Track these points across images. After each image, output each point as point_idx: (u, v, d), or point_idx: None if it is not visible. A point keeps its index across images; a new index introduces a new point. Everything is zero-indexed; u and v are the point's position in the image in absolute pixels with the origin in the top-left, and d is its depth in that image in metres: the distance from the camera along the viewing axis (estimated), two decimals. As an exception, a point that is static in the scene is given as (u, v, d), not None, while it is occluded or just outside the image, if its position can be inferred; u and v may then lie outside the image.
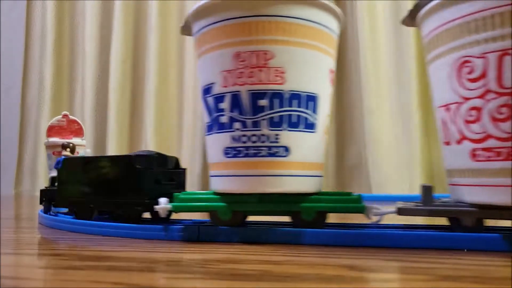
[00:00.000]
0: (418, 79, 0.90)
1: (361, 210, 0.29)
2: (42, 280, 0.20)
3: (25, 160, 1.22)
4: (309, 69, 0.29)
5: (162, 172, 0.34)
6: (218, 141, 0.30)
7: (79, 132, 0.50)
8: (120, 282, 0.19)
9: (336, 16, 0.30)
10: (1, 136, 1.29)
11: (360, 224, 0.32)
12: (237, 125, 0.29)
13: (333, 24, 0.30)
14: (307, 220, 0.29)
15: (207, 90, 0.31)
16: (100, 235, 0.33)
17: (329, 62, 0.31)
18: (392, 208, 0.29)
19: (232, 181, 0.29)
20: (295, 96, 0.28)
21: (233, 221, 0.30)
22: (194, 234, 0.30)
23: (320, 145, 0.31)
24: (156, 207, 0.31)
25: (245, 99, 0.28)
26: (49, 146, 0.48)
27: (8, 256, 0.25)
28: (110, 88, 1.14)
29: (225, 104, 0.29)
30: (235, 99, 0.29)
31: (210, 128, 0.31)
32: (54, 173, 0.42)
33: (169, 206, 0.31)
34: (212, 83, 0.30)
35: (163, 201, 0.31)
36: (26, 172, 1.22)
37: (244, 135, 0.29)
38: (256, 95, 0.28)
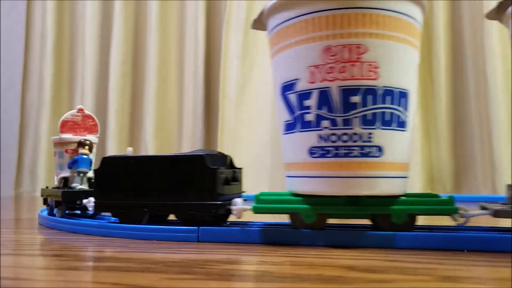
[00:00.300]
0: (418, 79, 0.90)
1: (454, 211, 0.27)
2: (42, 281, 0.20)
3: (25, 161, 1.22)
4: (401, 64, 0.28)
5: (229, 172, 0.33)
6: (302, 140, 0.28)
7: (93, 128, 0.44)
8: (119, 282, 0.19)
9: (423, 8, 0.29)
10: (1, 136, 1.29)
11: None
12: (325, 123, 0.27)
13: (420, 16, 0.29)
14: (397, 223, 0.28)
15: (288, 87, 0.29)
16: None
17: (417, 56, 0.29)
18: (479, 210, 0.28)
19: (318, 182, 0.28)
20: (389, 92, 0.27)
21: (316, 224, 0.28)
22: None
23: (409, 144, 0.29)
24: (234, 208, 0.30)
25: (335, 96, 0.27)
26: (60, 143, 0.42)
27: (8, 257, 0.25)
28: (110, 89, 1.14)
29: (311, 101, 0.28)
30: (324, 95, 0.27)
31: (291, 127, 0.29)
32: (66, 173, 0.40)
33: (248, 207, 0.30)
34: (295, 79, 0.28)
35: (239, 201, 0.30)
36: (26, 173, 1.22)
37: (333, 134, 0.27)
38: (348, 92, 0.27)
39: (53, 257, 0.25)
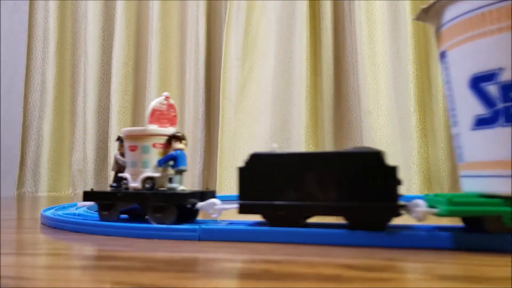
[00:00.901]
0: (416, 81, 0.90)
1: None
2: (43, 280, 0.20)
3: (27, 161, 1.23)
4: None
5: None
6: (505, 136, 0.26)
7: (174, 120, 0.39)
8: (121, 281, 0.19)
9: None
10: (3, 137, 1.29)
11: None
12: None
13: None
14: None
15: (485, 77, 0.27)
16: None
17: None
18: None
19: None
20: None
21: None
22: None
23: None
24: (419, 210, 0.27)
25: None
26: (146, 136, 0.35)
27: (10, 256, 0.25)
28: (112, 91, 1.14)
29: None
30: None
31: (487, 121, 0.27)
32: (153, 172, 0.35)
33: (434, 210, 0.27)
34: (496, 69, 0.26)
35: (421, 203, 0.28)
36: (28, 174, 1.22)
37: None
38: None
39: (55, 256, 0.25)
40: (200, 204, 0.33)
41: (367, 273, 0.20)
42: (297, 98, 0.98)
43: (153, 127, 0.36)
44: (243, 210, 0.31)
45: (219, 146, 1.04)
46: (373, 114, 0.93)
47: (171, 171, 0.35)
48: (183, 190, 0.35)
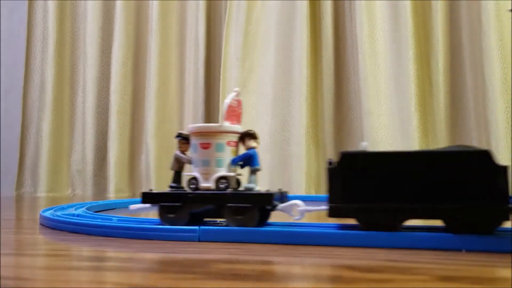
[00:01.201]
0: (417, 81, 0.90)
1: None
2: (43, 281, 0.20)
3: (27, 162, 1.22)
4: None
5: None
6: None
7: (240, 117, 0.36)
8: (121, 282, 0.19)
9: None
10: (2, 137, 1.29)
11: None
12: None
13: None
14: None
15: None
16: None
17: None
18: None
19: None
20: None
21: None
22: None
23: None
24: None
25: None
26: (220, 133, 0.33)
27: (9, 256, 0.25)
28: (111, 90, 1.14)
29: None
30: None
31: None
32: (225, 171, 0.32)
33: None
34: None
35: None
36: (27, 174, 1.22)
37: None
38: None
39: (54, 257, 0.25)
40: (280, 206, 0.31)
41: (369, 274, 0.20)
42: (297, 98, 0.98)
43: (228, 124, 0.34)
44: (333, 213, 0.28)
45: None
46: (374, 114, 0.92)
47: (239, 170, 0.34)
48: (258, 190, 0.32)
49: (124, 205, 0.62)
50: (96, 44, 1.17)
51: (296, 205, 0.31)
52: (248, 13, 1.05)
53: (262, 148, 0.99)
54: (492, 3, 0.83)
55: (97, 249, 0.28)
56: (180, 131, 0.36)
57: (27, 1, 1.26)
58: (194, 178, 0.33)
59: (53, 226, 0.38)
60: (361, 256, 0.25)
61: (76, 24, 1.24)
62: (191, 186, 0.33)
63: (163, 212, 0.32)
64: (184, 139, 0.35)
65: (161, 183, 1.06)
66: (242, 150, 0.34)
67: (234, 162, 0.33)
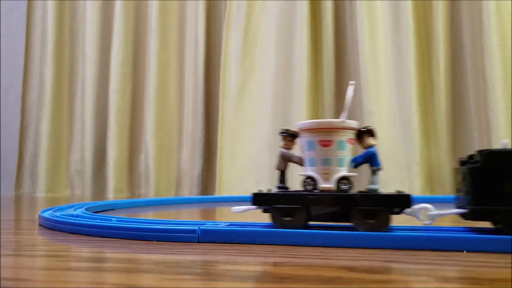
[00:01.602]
0: (418, 81, 0.90)
1: None
2: (42, 282, 0.20)
3: (25, 162, 1.22)
4: None
5: None
6: None
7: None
8: (119, 283, 0.19)
9: None
10: (1, 137, 1.29)
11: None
12: None
13: None
14: None
15: None
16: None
17: None
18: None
19: None
20: None
21: None
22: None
23: None
24: None
25: None
26: (343, 129, 0.31)
27: (8, 257, 0.25)
28: (110, 90, 1.14)
29: None
30: None
31: None
32: (345, 171, 0.30)
33: None
34: None
35: None
36: (26, 174, 1.22)
37: None
38: None
39: (53, 258, 0.25)
40: (408, 210, 0.29)
41: (368, 275, 0.20)
42: (297, 98, 0.98)
43: (349, 120, 0.31)
44: (475, 216, 0.27)
45: (218, 146, 1.04)
46: (375, 114, 0.92)
47: (354, 170, 0.31)
48: (381, 192, 0.30)
49: (124, 205, 0.62)
50: (95, 44, 1.17)
51: (426, 209, 0.29)
52: (248, 13, 1.05)
53: (263, 148, 0.99)
54: (493, 3, 0.83)
55: (96, 249, 0.28)
56: (286, 128, 0.33)
57: (26, 1, 1.26)
58: (311, 178, 0.31)
59: (52, 226, 0.38)
60: (361, 256, 0.24)
61: (75, 23, 1.24)
62: (307, 187, 0.31)
63: (277, 215, 0.30)
64: (290, 136, 0.33)
65: (161, 183, 1.06)
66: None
67: (355, 162, 0.31)
